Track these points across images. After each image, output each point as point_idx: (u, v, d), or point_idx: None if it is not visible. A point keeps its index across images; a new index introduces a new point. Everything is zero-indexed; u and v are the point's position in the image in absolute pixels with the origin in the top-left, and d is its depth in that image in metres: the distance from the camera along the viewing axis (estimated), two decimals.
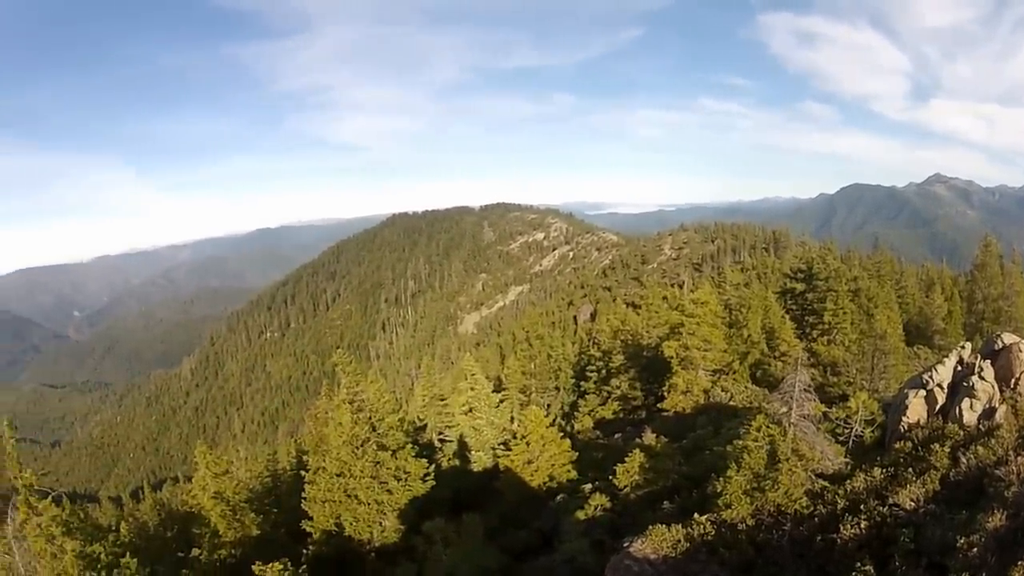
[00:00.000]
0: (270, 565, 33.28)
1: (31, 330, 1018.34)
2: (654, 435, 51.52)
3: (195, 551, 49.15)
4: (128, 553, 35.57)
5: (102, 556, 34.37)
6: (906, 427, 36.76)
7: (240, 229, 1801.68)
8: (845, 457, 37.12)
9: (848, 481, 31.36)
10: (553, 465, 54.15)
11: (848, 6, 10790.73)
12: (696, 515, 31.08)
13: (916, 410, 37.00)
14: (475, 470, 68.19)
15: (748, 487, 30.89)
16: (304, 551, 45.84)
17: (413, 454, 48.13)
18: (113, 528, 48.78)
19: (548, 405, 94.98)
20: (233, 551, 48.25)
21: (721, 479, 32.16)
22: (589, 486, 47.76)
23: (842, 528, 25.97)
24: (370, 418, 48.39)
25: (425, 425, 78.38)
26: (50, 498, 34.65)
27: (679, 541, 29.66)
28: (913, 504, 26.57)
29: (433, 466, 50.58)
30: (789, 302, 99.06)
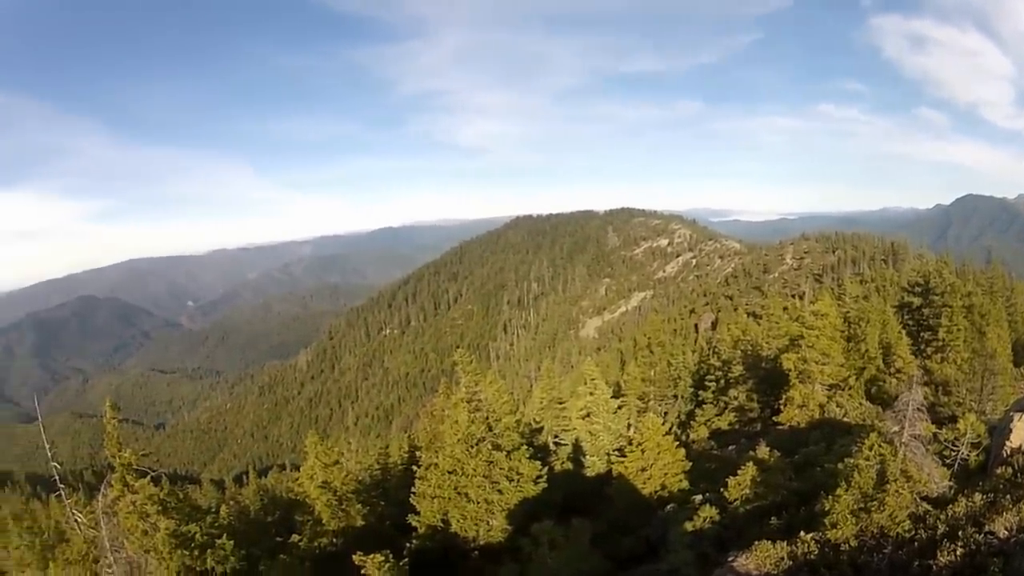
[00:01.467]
0: (371, 556, 33.50)
1: (141, 318, 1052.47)
2: (767, 448, 49.84)
3: (295, 537, 50.53)
4: (225, 535, 36.97)
5: (197, 536, 35.82)
6: (1008, 452, 36.17)
7: (362, 228, 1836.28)
8: (950, 480, 36.73)
9: (950, 506, 31.08)
10: (666, 474, 53.78)
11: (954, 7, 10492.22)
12: (802, 533, 31.10)
13: (1019, 434, 36.31)
14: (588, 475, 68.36)
15: (855, 507, 30.68)
16: (407, 544, 45.75)
17: (527, 456, 47.86)
18: (212, 510, 51.24)
19: (665, 413, 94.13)
20: (334, 540, 49.46)
21: (829, 497, 31.89)
22: (699, 497, 46.97)
23: (939, 554, 26.01)
24: (487, 418, 48.57)
25: (541, 427, 78.66)
26: (148, 477, 35.92)
27: (782, 559, 29.88)
28: (1007, 532, 26.58)
29: (546, 469, 50.33)
30: (905, 317, 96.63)
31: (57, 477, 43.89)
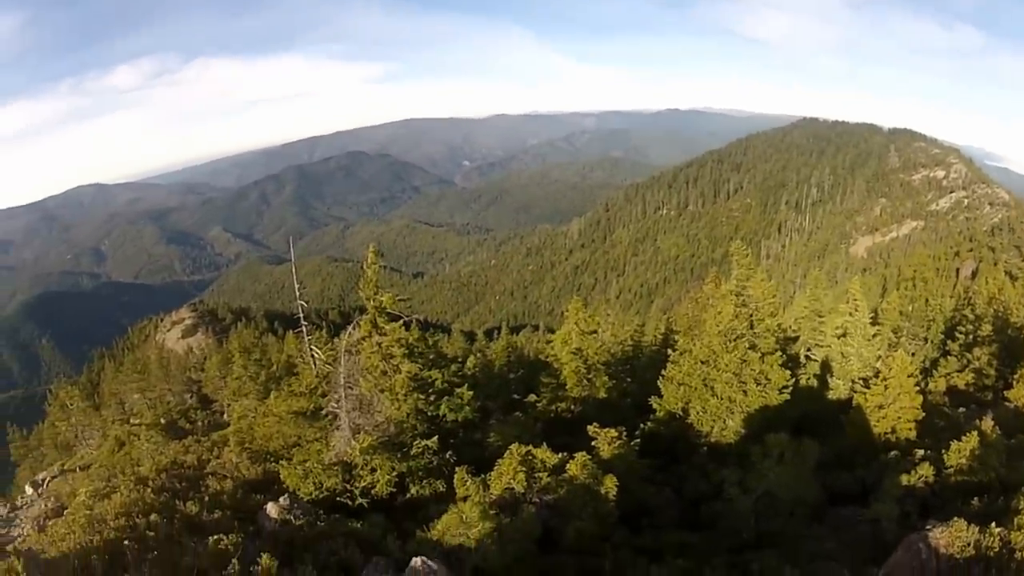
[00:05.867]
0: (605, 430, 34.04)
1: (413, 174, 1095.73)
2: (992, 423, 46.02)
3: (532, 397, 52.54)
4: (466, 385, 38.95)
5: (438, 382, 37.73)
6: None
7: (648, 106, 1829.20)
8: None
9: None
10: (900, 418, 50.50)
11: None
12: (992, 524, 27.77)
13: None
14: (829, 397, 66.07)
15: None
16: (642, 426, 45.56)
17: (779, 363, 45.25)
18: (459, 360, 53.32)
19: (913, 354, 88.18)
20: (572, 407, 50.63)
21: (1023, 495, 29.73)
22: (921, 452, 43.75)
23: None
24: (751, 315, 49.06)
25: (797, 338, 78.07)
26: (400, 322, 36.68)
27: (968, 544, 27.24)
28: None
29: (792, 380, 47.25)
30: None
31: (301, 314, 48.05)
